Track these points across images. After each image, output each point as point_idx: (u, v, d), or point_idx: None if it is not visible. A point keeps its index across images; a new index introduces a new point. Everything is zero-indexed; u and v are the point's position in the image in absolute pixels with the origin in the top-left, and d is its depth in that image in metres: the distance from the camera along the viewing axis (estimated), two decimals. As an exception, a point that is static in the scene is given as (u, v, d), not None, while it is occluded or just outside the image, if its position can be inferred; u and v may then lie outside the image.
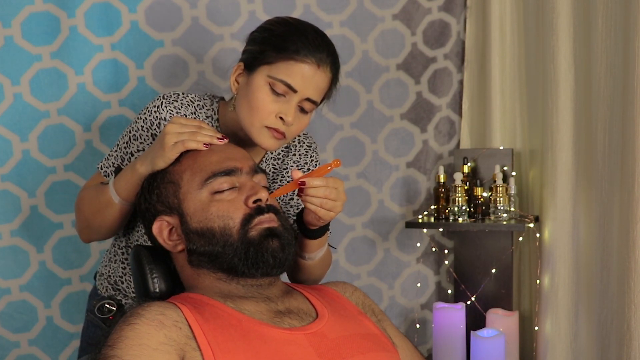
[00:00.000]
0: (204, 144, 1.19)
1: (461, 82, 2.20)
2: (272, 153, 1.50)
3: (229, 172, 1.17)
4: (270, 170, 1.50)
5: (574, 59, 1.77)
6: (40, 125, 1.83)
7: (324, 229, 1.31)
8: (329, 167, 1.18)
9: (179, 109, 1.38)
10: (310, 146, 1.54)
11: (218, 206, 1.14)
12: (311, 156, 1.53)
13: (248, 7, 1.97)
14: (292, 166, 1.51)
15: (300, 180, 1.18)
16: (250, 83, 1.35)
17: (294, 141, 1.52)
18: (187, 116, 1.39)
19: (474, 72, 2.17)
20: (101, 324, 1.50)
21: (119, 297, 1.51)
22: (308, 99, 1.34)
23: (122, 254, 1.49)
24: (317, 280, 1.44)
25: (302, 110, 1.36)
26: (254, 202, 1.15)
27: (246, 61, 1.38)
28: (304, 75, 1.32)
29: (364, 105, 2.12)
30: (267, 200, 1.16)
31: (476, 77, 2.17)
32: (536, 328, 1.97)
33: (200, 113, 1.41)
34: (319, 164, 1.55)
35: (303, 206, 1.28)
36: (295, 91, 1.32)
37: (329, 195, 1.19)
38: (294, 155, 1.52)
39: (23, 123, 1.82)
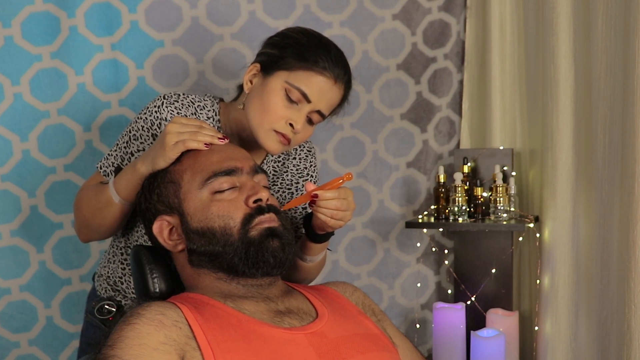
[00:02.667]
0: (205, 144, 1.19)
1: (461, 82, 2.20)
2: (272, 156, 1.51)
3: (229, 172, 1.17)
4: (270, 173, 1.51)
5: (574, 59, 1.77)
6: (40, 125, 1.83)
7: (330, 234, 1.34)
8: (341, 181, 1.21)
9: (180, 110, 1.38)
10: (310, 151, 1.56)
11: (218, 206, 1.14)
12: (310, 161, 1.55)
13: (248, 7, 1.97)
14: (291, 170, 1.53)
15: (314, 192, 1.21)
16: (265, 85, 1.36)
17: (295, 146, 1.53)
18: (188, 117, 1.39)
19: (474, 72, 2.17)
20: (100, 325, 1.50)
21: (118, 298, 1.51)
22: (318, 111, 1.37)
23: (122, 254, 1.49)
24: (311, 281, 1.46)
25: (310, 120, 1.38)
26: (255, 201, 1.15)
27: (263, 63, 1.39)
28: (321, 88, 1.35)
29: (364, 105, 2.12)
30: (267, 200, 1.17)
31: (476, 77, 2.17)
32: (536, 328, 1.97)
33: (201, 114, 1.42)
34: (317, 168, 1.57)
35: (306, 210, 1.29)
36: (309, 101, 1.35)
37: (340, 207, 1.22)
38: (294, 159, 1.53)
39: (23, 123, 1.82)
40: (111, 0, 1.85)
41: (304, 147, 1.55)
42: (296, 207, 1.50)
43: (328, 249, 1.45)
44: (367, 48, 2.09)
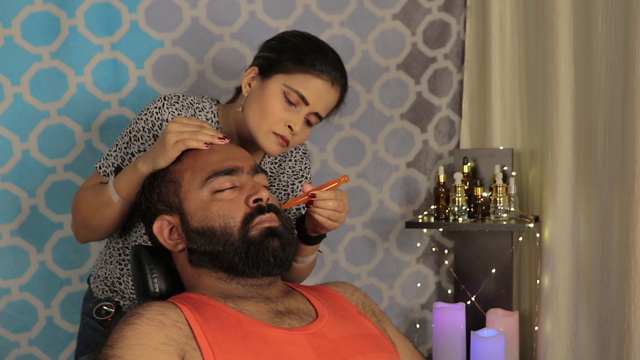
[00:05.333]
0: (205, 143, 1.20)
1: (461, 82, 2.20)
2: (269, 157, 1.53)
3: (229, 172, 1.17)
4: (267, 174, 1.51)
5: (574, 59, 1.77)
6: (40, 125, 1.83)
7: (322, 236, 1.36)
8: (336, 183, 1.24)
9: (180, 111, 1.40)
10: (305, 153, 1.59)
11: (219, 205, 1.14)
12: (305, 163, 1.59)
13: (248, 7, 1.97)
14: (287, 171, 1.55)
15: (312, 192, 1.23)
16: (264, 88, 1.38)
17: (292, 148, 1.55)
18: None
19: (474, 72, 2.17)
20: (98, 327, 1.50)
21: (116, 299, 1.51)
22: (316, 113, 1.40)
23: (119, 255, 1.49)
24: (301, 281, 1.48)
25: (308, 122, 1.41)
26: (255, 201, 1.15)
27: (261, 67, 1.41)
28: (319, 91, 1.37)
29: (364, 105, 2.12)
30: (267, 199, 1.17)
31: (476, 77, 2.17)
32: (536, 328, 1.97)
33: (199, 115, 1.43)
34: (311, 170, 1.60)
35: (299, 211, 1.30)
36: (307, 104, 1.37)
37: (337, 208, 1.24)
38: (290, 160, 1.56)
39: (23, 123, 1.82)
40: (111, 0, 1.85)
41: (300, 149, 1.58)
42: (289, 210, 1.51)
43: (319, 251, 1.47)
44: (367, 48, 2.09)
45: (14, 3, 1.78)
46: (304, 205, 1.26)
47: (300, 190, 1.53)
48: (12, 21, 1.79)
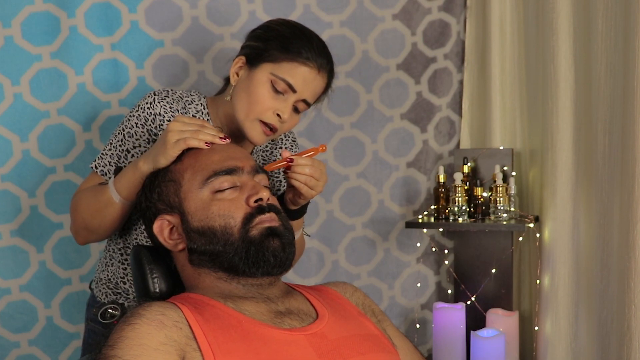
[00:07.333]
0: (206, 143, 1.20)
1: (461, 82, 2.20)
2: (261, 145, 1.56)
3: (230, 171, 1.17)
4: (259, 162, 1.57)
5: (574, 59, 1.77)
6: (40, 125, 1.83)
7: (301, 211, 1.39)
8: (315, 151, 1.29)
9: (172, 104, 1.42)
10: (295, 140, 1.64)
11: (219, 205, 1.14)
12: (295, 151, 1.63)
13: (248, 7, 1.98)
14: (279, 157, 1.58)
15: (290, 157, 1.26)
16: (251, 77, 1.41)
17: (281, 135, 1.60)
18: (178, 111, 1.43)
19: (474, 72, 2.17)
20: (103, 331, 1.50)
21: (120, 301, 1.51)
22: (304, 100, 1.42)
23: (121, 254, 1.49)
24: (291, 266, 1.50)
25: (295, 109, 1.43)
26: (255, 201, 1.15)
27: (248, 56, 1.43)
28: (305, 78, 1.39)
29: (364, 105, 2.12)
30: (268, 199, 1.17)
31: (476, 77, 2.17)
32: (536, 328, 1.97)
33: (189, 108, 1.46)
34: None
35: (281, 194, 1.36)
36: (294, 91, 1.39)
37: (314, 174, 1.27)
38: (281, 148, 1.60)
39: (23, 123, 1.82)
40: (111, 0, 1.85)
41: (289, 136, 1.62)
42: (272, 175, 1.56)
43: (307, 235, 1.48)
44: (367, 48, 2.09)
45: (14, 3, 1.78)
46: (282, 170, 1.30)
47: (281, 156, 1.56)
48: (12, 21, 1.78)
